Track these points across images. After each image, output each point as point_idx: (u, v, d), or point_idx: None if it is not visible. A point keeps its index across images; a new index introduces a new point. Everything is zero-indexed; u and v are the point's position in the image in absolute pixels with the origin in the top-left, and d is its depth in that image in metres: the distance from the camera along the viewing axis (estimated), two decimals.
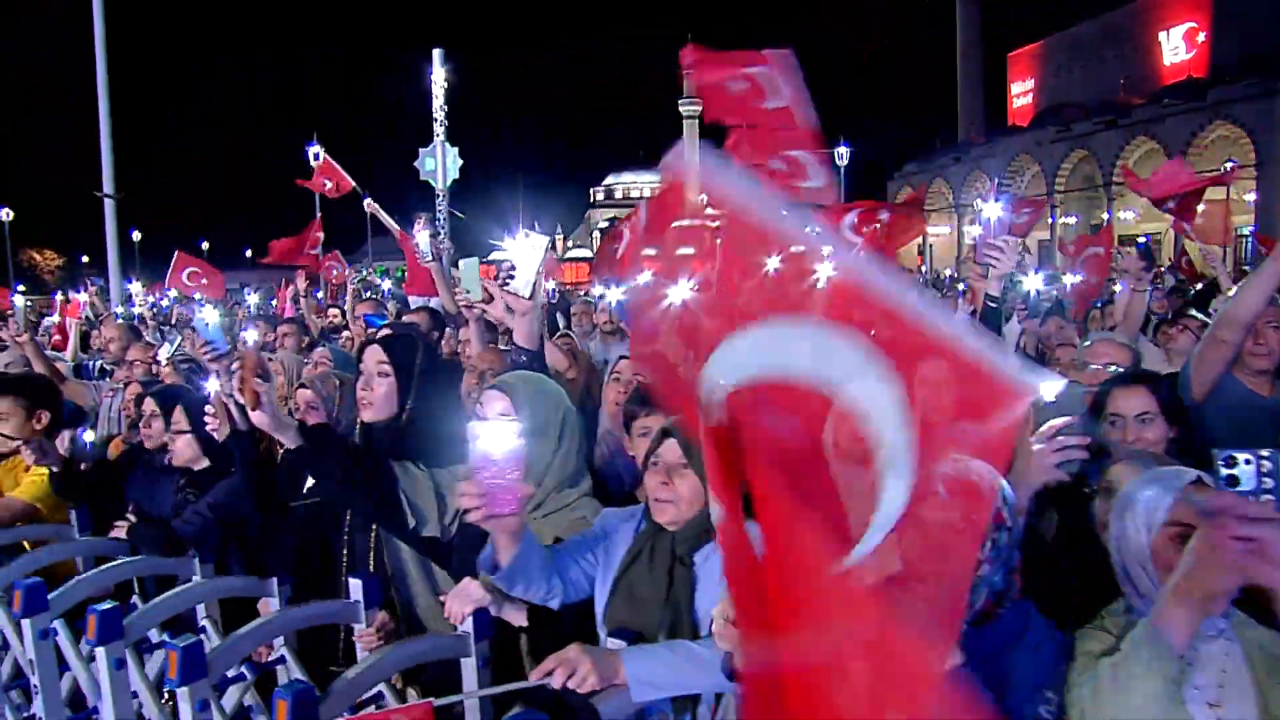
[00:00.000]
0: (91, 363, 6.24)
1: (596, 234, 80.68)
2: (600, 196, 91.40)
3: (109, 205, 10.25)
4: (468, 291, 4.14)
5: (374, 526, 2.77)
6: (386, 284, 11.64)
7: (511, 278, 2.94)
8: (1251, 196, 37.64)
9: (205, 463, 3.24)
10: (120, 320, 6.62)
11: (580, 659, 1.81)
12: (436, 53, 9.86)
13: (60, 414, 3.76)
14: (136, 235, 48.70)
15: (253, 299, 11.03)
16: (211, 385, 2.46)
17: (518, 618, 2.33)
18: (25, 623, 2.55)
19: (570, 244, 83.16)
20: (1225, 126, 39.98)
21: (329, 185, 9.57)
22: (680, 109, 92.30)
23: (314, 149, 27.81)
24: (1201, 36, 47.10)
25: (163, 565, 2.93)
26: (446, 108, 9.87)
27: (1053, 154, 48.29)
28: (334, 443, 2.60)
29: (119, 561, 2.86)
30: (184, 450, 3.21)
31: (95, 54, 9.87)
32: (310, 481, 2.95)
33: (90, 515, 3.49)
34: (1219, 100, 39.94)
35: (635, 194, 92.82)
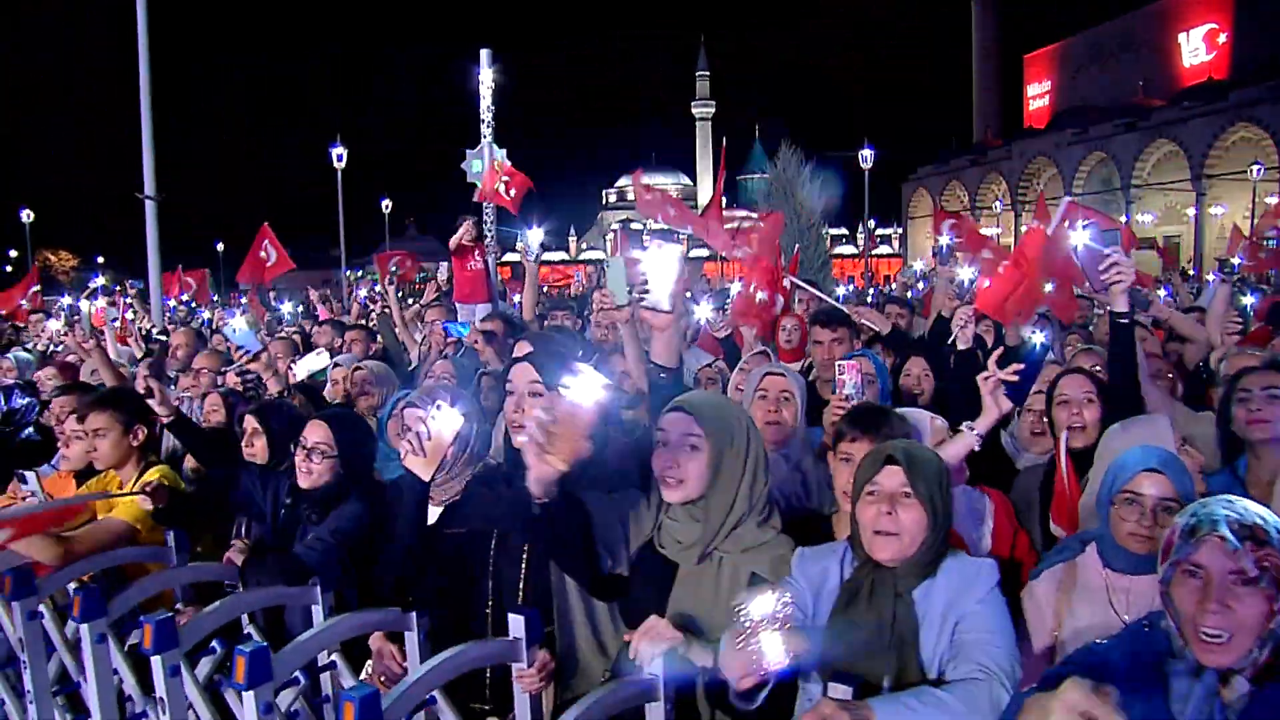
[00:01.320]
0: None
1: (610, 235, 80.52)
2: (613, 198, 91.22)
3: (149, 207, 10.11)
4: (612, 293, 3.94)
5: (524, 557, 2.59)
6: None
7: (646, 291, 2.70)
8: (1274, 200, 37.29)
9: (325, 484, 3.06)
10: (186, 327, 6.46)
11: (837, 714, 1.63)
12: (484, 53, 9.66)
13: (155, 428, 3.61)
14: None
15: (286, 307, 10.79)
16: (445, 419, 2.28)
17: (704, 658, 2.14)
18: (156, 660, 2.37)
19: (584, 246, 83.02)
20: (1248, 128, 39.69)
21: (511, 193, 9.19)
22: (693, 110, 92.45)
23: (337, 150, 28.00)
24: (1222, 38, 46.82)
25: (288, 595, 2.76)
26: (494, 109, 9.69)
27: (1070, 157, 48.05)
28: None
29: (249, 592, 2.68)
30: (319, 477, 3.02)
31: (139, 54, 9.77)
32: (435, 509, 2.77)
33: (187, 536, 3.33)
34: (1241, 102, 39.66)
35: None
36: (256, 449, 3.41)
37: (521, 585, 2.62)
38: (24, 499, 3.51)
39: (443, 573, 2.68)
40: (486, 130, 9.61)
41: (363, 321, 8.93)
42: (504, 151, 9.80)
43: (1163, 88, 47.68)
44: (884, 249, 62.16)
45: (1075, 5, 57.94)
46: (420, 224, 70.07)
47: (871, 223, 44.04)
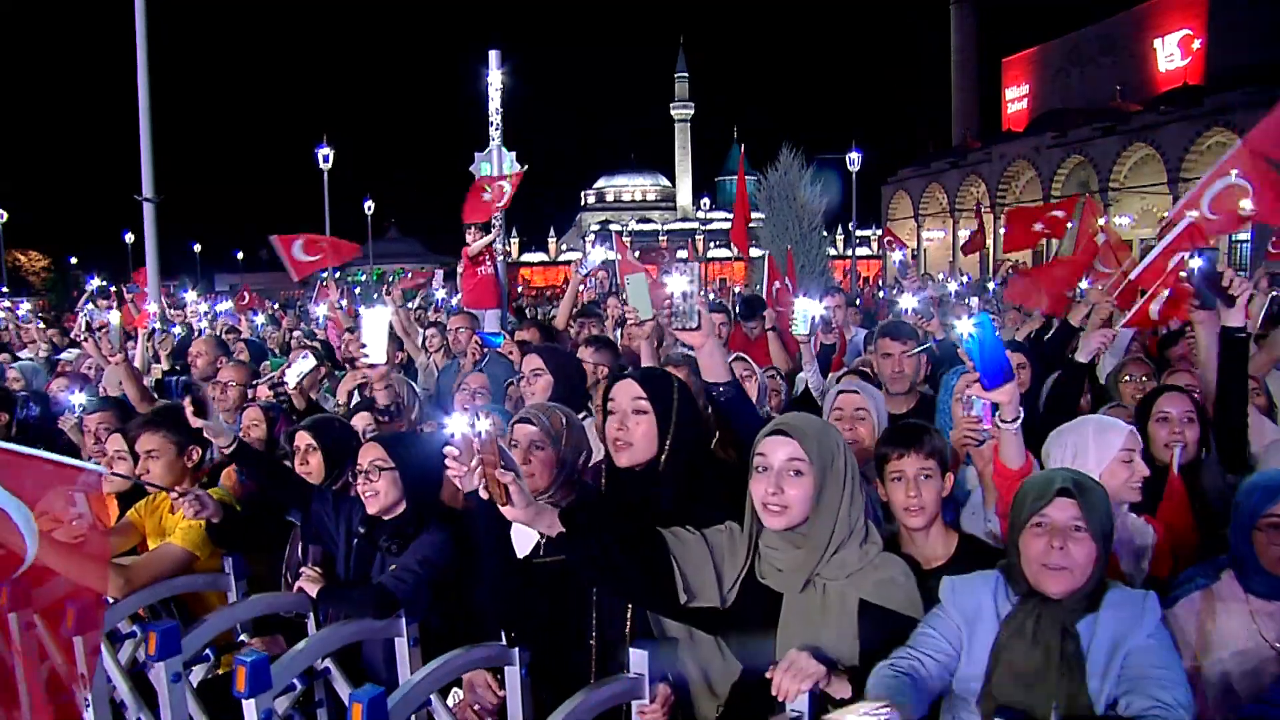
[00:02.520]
0: (174, 380, 5.87)
1: (590, 236, 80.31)
2: (591, 199, 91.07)
3: (148, 209, 9.89)
4: (636, 310, 3.84)
5: None
6: (440, 293, 11.24)
7: (675, 314, 2.63)
8: (1248, 204, 37.84)
9: (401, 508, 2.91)
10: (208, 335, 6.24)
11: None
12: (493, 54, 9.49)
13: (208, 447, 3.44)
14: (129, 238, 47.91)
15: (259, 318, 10.39)
16: (482, 425, 2.13)
17: (842, 690, 2.04)
18: (250, 703, 2.24)
19: (563, 247, 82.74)
20: (1223, 133, 40.20)
21: (500, 199, 8.98)
22: (671, 111, 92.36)
23: (323, 150, 27.58)
24: (1197, 44, 47.50)
25: (375, 629, 2.61)
26: (502, 110, 9.51)
27: (1049, 160, 48.46)
28: (599, 521, 2.27)
29: (337, 626, 2.53)
30: (385, 496, 2.88)
31: (137, 55, 9.53)
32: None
33: (245, 562, 3.18)
34: (1216, 107, 40.20)
35: (627, 197, 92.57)
36: (311, 466, 3.26)
37: (629, 617, 2.50)
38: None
39: (541, 604, 2.56)
40: (495, 133, 9.43)
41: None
42: (514, 154, 9.66)
43: (1139, 92, 48.28)
44: (863, 250, 62.40)
45: (1052, 10, 58.62)
46: (401, 225, 69.56)
47: (851, 224, 44.27)
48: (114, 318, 5.15)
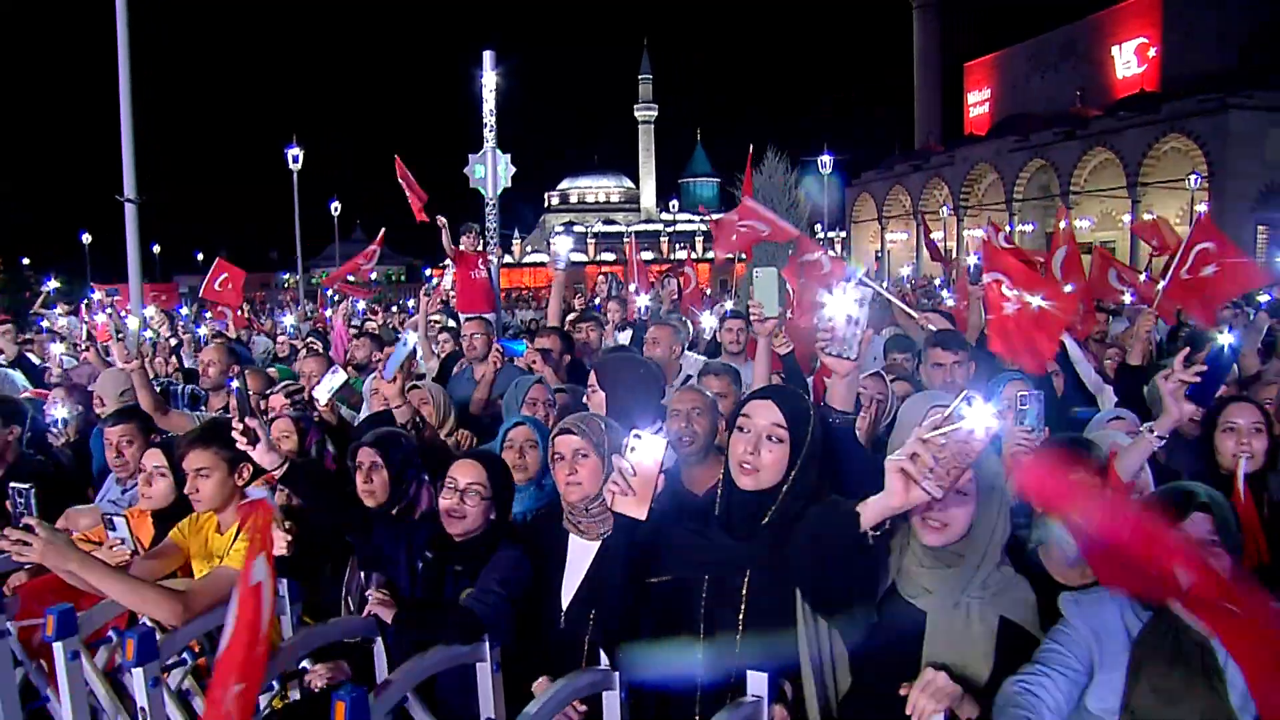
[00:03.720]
0: (179, 388, 5.65)
1: (555, 238, 80.00)
2: (555, 201, 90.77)
3: (129, 210, 9.59)
4: (760, 305, 3.72)
5: (741, 603, 2.39)
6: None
7: (829, 337, 2.49)
8: (1204, 208, 38.82)
9: (480, 530, 2.79)
10: (217, 343, 6.02)
11: None
12: (487, 55, 9.30)
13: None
14: (87, 238, 46.66)
15: (289, 319, 10.14)
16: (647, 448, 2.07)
17: (971, 711, 2.00)
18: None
19: (527, 249, 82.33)
20: (1178, 139, 41.25)
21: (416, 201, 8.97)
22: (635, 113, 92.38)
23: (293, 151, 27.08)
24: (1152, 51, 48.70)
25: (462, 656, 2.50)
26: (495, 113, 9.35)
27: (1011, 163, 49.29)
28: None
29: (430, 655, 2.41)
30: (472, 520, 2.75)
31: (119, 55, 9.24)
32: None
33: (300, 588, 3.04)
34: (1173, 114, 41.22)
35: (591, 198, 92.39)
36: (375, 485, 3.11)
37: (738, 639, 2.40)
38: (112, 546, 3.18)
39: (647, 626, 2.47)
40: (490, 135, 9.27)
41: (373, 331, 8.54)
42: (508, 156, 9.51)
43: (1098, 98, 49.34)
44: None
45: (1013, 15, 59.57)
46: (367, 227, 68.65)
47: (816, 226, 44.62)
48: (132, 323, 4.92)
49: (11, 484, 2.57)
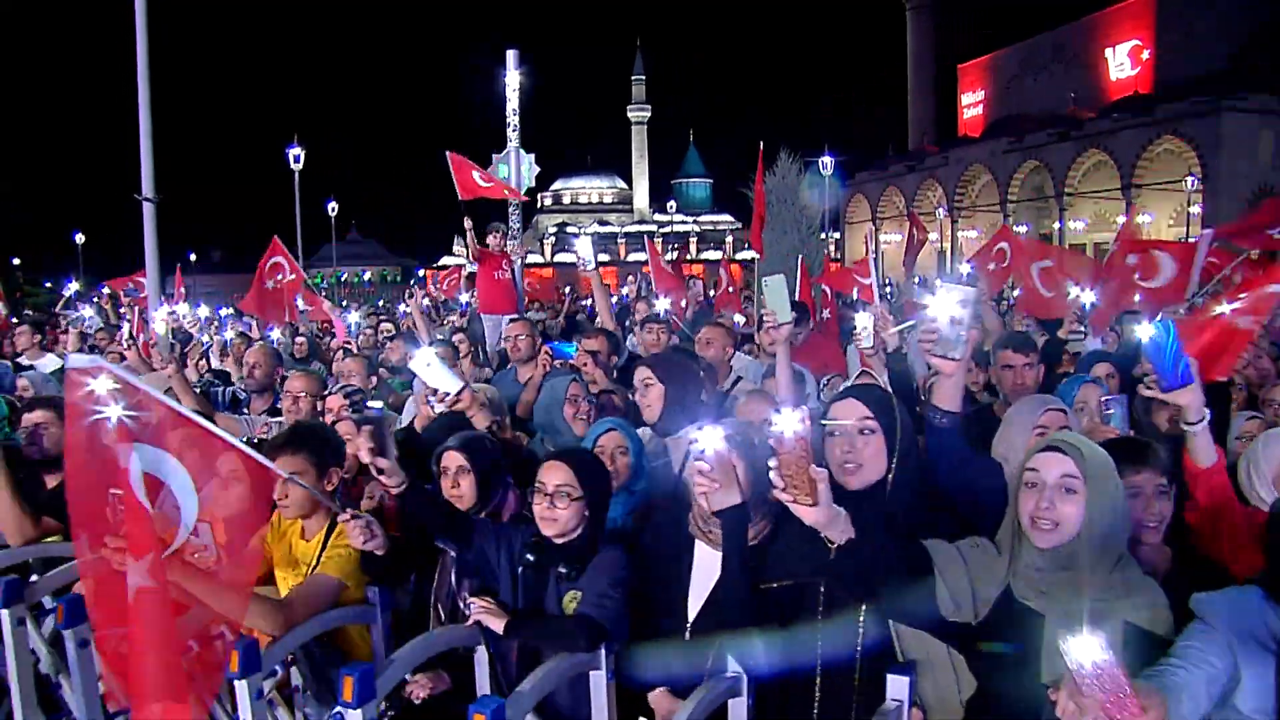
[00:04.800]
0: (219, 390, 5.54)
1: (550, 240, 79.83)
2: (548, 201, 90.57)
3: (148, 209, 9.47)
4: (774, 311, 3.71)
5: (862, 609, 2.37)
6: (465, 296, 10.88)
7: (933, 339, 2.48)
8: (1197, 210, 39.12)
9: (579, 532, 2.73)
10: (261, 344, 5.90)
11: None
12: (511, 54, 9.27)
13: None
14: (80, 238, 46.17)
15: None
16: (791, 423, 2.04)
17: None
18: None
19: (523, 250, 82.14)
20: (1171, 141, 41.52)
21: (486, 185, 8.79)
22: (629, 114, 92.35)
23: (294, 150, 26.90)
24: (1146, 54, 48.99)
25: (583, 664, 2.44)
26: (519, 112, 9.30)
27: (1006, 164, 49.49)
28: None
29: (554, 664, 2.35)
30: (566, 522, 2.69)
31: (137, 50, 9.11)
32: None
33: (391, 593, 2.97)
34: (1166, 116, 41.47)
35: (584, 199, 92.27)
36: (463, 489, 3.05)
37: (859, 644, 2.38)
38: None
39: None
40: (513, 134, 9.20)
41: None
42: (532, 156, 9.45)
43: (1092, 100, 49.60)
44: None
45: (1007, 17, 59.81)
46: (363, 227, 68.41)
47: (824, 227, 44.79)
48: (161, 327, 4.81)
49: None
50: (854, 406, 2.43)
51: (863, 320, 4.46)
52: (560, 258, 77.70)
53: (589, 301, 22.19)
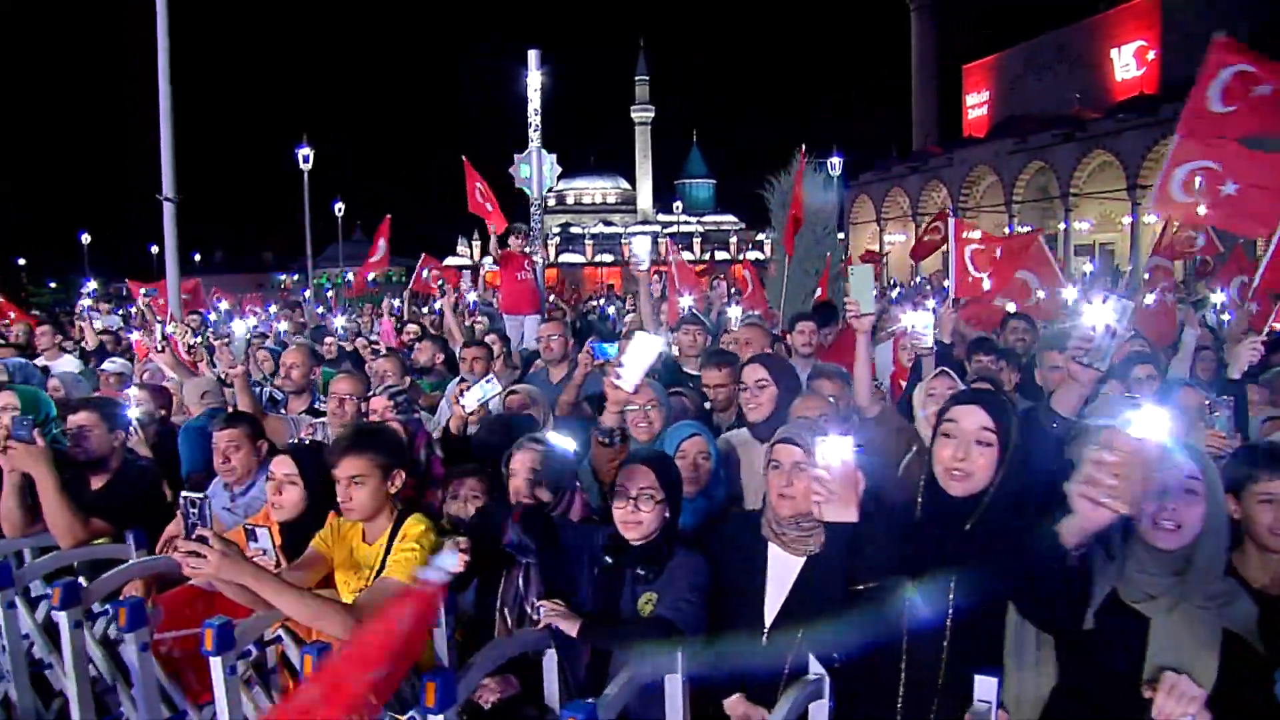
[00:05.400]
0: (260, 389, 5.51)
1: (554, 240, 79.78)
2: (552, 202, 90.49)
3: (168, 209, 9.48)
4: (858, 302, 3.68)
5: (950, 602, 2.35)
6: (472, 296, 10.90)
7: (1086, 347, 2.54)
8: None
9: (656, 534, 2.71)
10: (301, 342, 5.88)
11: None
12: (532, 54, 9.25)
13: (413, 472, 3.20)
14: (86, 238, 46.21)
15: (340, 321, 9.86)
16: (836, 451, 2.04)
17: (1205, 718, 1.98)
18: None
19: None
20: None
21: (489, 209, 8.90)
22: (632, 114, 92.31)
23: (303, 150, 26.86)
24: (1151, 54, 48.86)
25: (659, 667, 2.41)
26: (540, 112, 9.28)
27: (1010, 165, 49.42)
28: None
29: (634, 668, 2.33)
30: (648, 525, 2.67)
31: (159, 51, 9.13)
32: None
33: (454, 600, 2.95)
34: (1172, 116, 41.23)
35: (587, 199, 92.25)
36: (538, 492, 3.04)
37: (947, 644, 2.37)
38: (254, 558, 3.07)
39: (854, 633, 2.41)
40: (535, 135, 9.18)
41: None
42: (554, 156, 9.43)
43: (1097, 100, 49.49)
44: None
45: (1011, 18, 59.81)
46: (367, 228, 68.27)
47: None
48: (238, 327, 4.78)
49: (184, 494, 2.46)
50: (977, 414, 2.37)
51: (920, 319, 4.43)
52: (565, 258, 77.75)
53: (601, 301, 22.29)
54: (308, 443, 4.21)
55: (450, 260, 65.45)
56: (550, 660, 2.71)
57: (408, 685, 2.48)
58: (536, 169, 9.26)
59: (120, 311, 17.87)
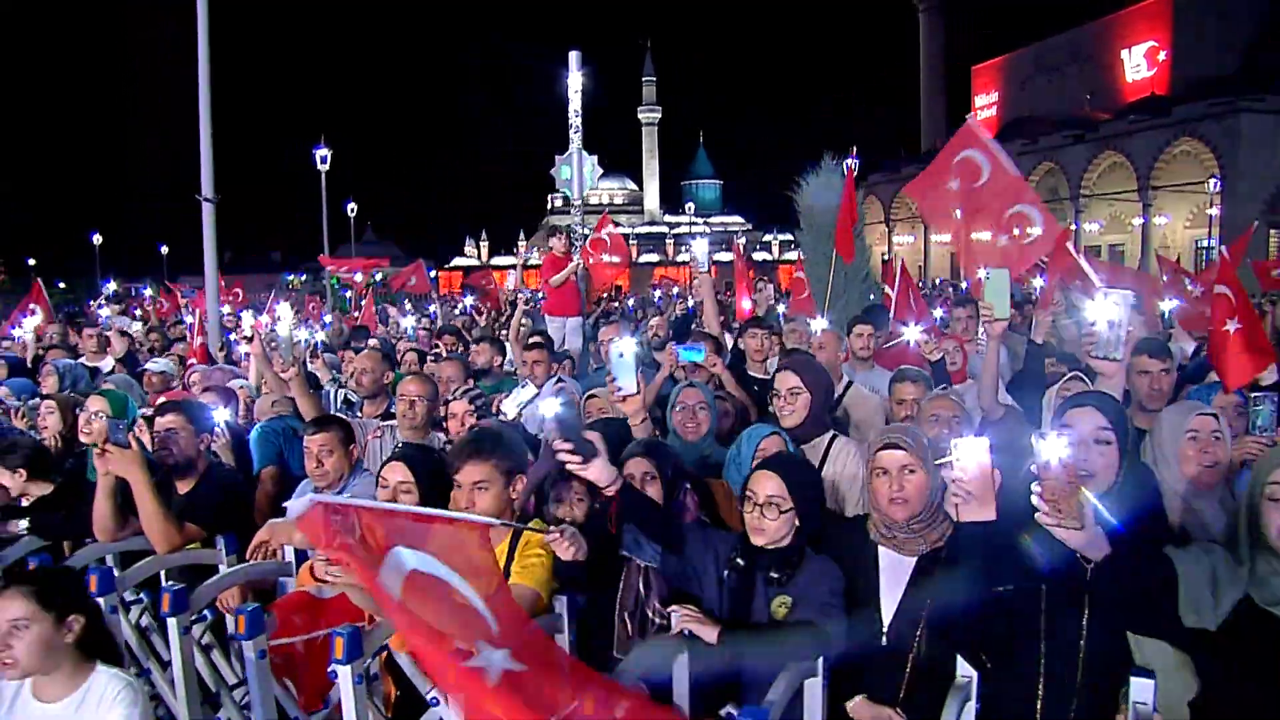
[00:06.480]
0: (330, 393, 5.48)
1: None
2: (558, 203, 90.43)
3: (207, 209, 9.47)
4: (992, 306, 3.67)
5: (1085, 604, 2.38)
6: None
7: (1094, 342, 2.59)
8: (1215, 211, 38.97)
9: (789, 538, 2.69)
10: (371, 349, 5.83)
11: None
12: (573, 55, 9.23)
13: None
14: (98, 239, 46.26)
15: (408, 321, 9.59)
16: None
17: None
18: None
19: (534, 251, 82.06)
20: (1189, 143, 41.32)
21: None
22: (639, 115, 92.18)
23: (321, 151, 26.86)
24: (1162, 55, 48.73)
25: (803, 673, 2.41)
26: (581, 113, 9.24)
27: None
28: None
29: (788, 675, 2.32)
30: (777, 531, 2.65)
31: (199, 53, 9.12)
32: None
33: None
34: (1184, 118, 41.28)
35: (594, 200, 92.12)
36: (650, 495, 3.00)
37: (1083, 644, 2.41)
38: None
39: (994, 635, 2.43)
40: (575, 136, 9.15)
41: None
42: (595, 158, 9.40)
43: (1107, 101, 49.42)
44: None
45: (1021, 19, 59.73)
46: (379, 229, 68.30)
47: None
48: (284, 328, 4.73)
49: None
50: (1093, 415, 2.46)
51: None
52: (536, 260, 77.44)
53: (627, 302, 22.25)
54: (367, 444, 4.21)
55: (459, 260, 65.39)
56: (681, 666, 2.68)
57: None
58: (577, 170, 9.24)
59: (138, 312, 17.84)
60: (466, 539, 2.38)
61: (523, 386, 4.05)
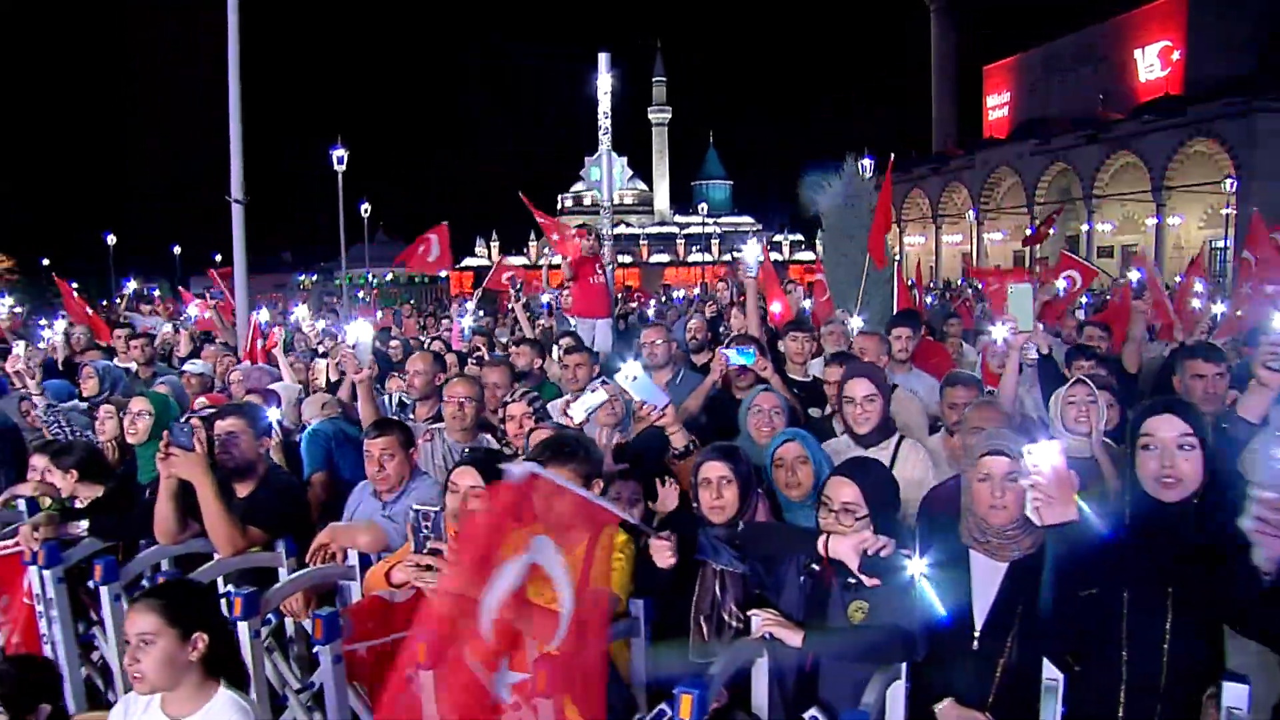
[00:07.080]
0: (384, 396, 5.48)
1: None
2: (569, 203, 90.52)
3: (237, 210, 9.51)
4: (1015, 318, 3.71)
5: (1168, 608, 2.42)
6: (545, 296, 10.82)
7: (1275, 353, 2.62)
8: (1230, 211, 38.76)
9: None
10: (423, 351, 5.84)
11: None
12: (603, 57, 9.23)
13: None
14: (112, 239, 46.48)
15: (467, 321, 9.49)
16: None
17: None
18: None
19: (544, 250, 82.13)
20: (1204, 143, 41.13)
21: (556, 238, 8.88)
22: (649, 116, 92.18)
23: (338, 152, 26.92)
24: (1176, 55, 48.49)
25: (889, 677, 2.43)
26: (610, 115, 9.25)
27: (1032, 167, 49.19)
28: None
29: (877, 681, 2.36)
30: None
31: (229, 56, 9.16)
32: None
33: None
34: (1198, 117, 41.08)
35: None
36: (727, 499, 3.04)
37: (1166, 648, 2.45)
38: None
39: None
40: (605, 137, 9.15)
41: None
42: (624, 159, 9.40)
43: (1120, 101, 49.21)
44: None
45: (1033, 19, 59.55)
46: (390, 229, 68.38)
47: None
48: (364, 333, 4.73)
49: (415, 507, 2.45)
50: (1173, 422, 2.49)
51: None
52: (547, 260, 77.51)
53: (644, 304, 22.25)
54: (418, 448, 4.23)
55: (469, 261, 65.48)
56: (760, 669, 2.69)
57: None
58: (607, 171, 9.25)
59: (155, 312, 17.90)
60: (581, 538, 2.43)
61: (592, 391, 4.05)
